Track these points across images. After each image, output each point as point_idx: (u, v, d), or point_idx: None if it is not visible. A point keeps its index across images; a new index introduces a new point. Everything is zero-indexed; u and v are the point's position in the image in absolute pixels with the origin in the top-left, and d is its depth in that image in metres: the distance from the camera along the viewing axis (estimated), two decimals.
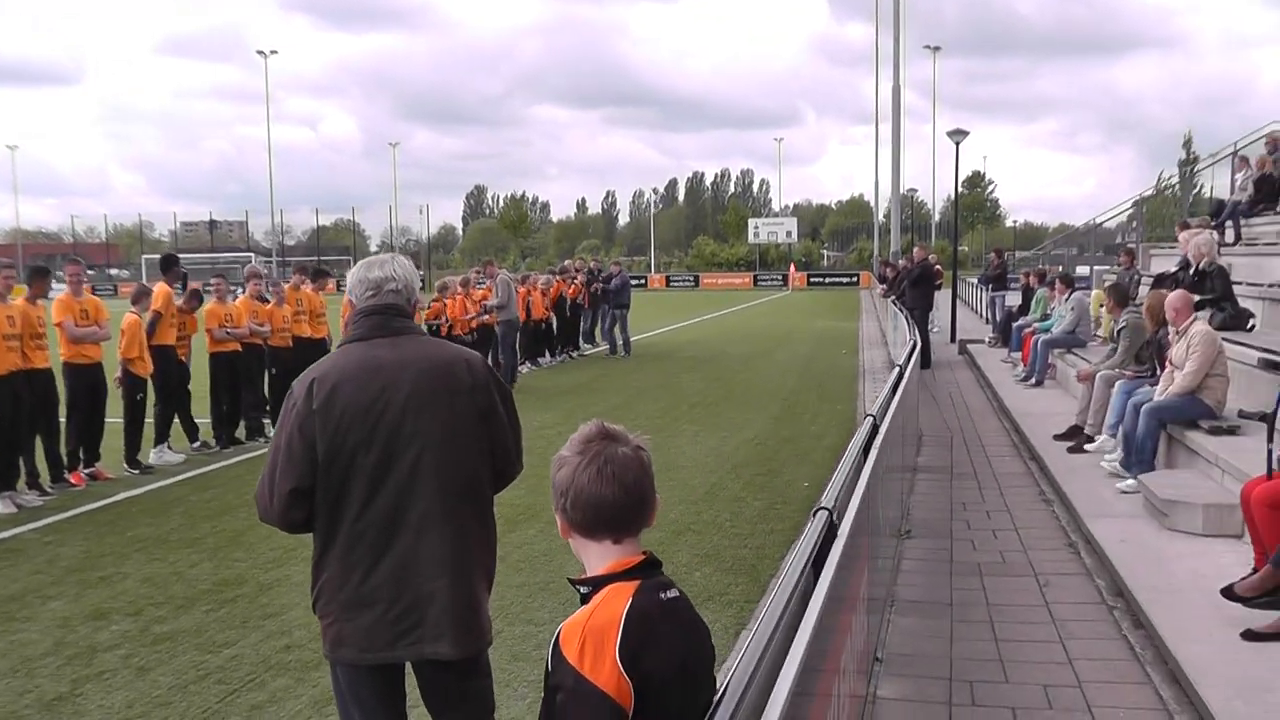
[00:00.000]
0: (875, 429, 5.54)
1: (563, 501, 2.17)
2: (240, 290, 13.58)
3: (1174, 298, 8.50)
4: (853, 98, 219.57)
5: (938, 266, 26.34)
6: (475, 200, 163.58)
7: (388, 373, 3.34)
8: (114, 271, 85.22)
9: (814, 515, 3.50)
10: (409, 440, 3.32)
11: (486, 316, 18.37)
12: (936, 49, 74.64)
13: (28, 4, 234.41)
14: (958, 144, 23.11)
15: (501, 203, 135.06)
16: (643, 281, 79.89)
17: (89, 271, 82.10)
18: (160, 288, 11.86)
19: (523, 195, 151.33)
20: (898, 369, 8.07)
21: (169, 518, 9.37)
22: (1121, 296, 10.84)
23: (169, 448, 11.83)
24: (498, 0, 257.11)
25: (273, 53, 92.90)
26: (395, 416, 3.32)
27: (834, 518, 3.51)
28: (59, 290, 11.07)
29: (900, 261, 21.57)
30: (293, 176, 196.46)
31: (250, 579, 7.48)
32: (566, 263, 27.66)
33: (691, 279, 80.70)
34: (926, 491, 9.56)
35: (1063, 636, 5.90)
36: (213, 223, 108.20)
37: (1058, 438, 10.43)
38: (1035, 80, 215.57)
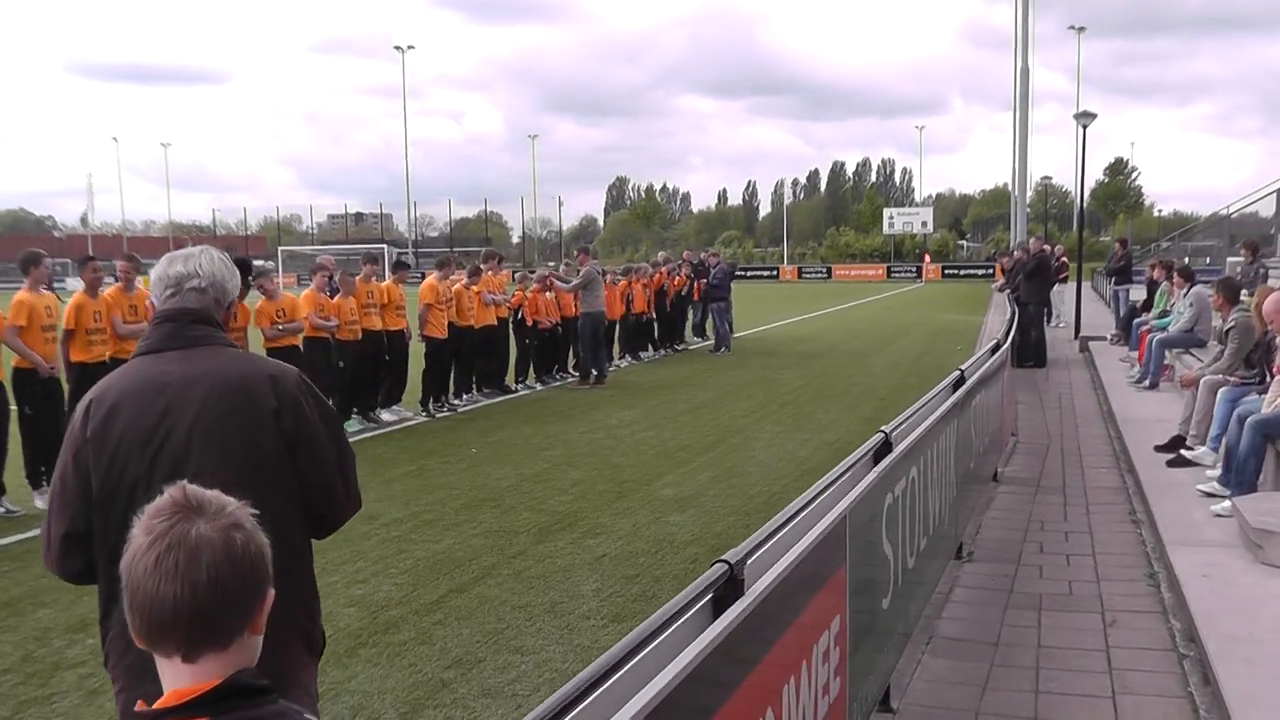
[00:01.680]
0: (888, 446, 4.75)
1: (125, 598, 1.53)
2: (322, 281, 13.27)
3: (1273, 301, 7.40)
4: (1000, 83, 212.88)
5: (1063, 258, 24.93)
6: (617, 191, 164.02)
7: (173, 392, 2.72)
8: (258, 263, 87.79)
9: (712, 567, 2.81)
10: (195, 476, 2.66)
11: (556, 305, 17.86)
12: (1081, 29, 71.70)
13: (180, 8, 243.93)
14: (1084, 127, 21.66)
15: (642, 194, 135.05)
16: (775, 273, 78.83)
17: None
18: None
19: (663, 186, 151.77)
20: (957, 373, 7.18)
21: None
22: (1232, 292, 9.64)
23: None
24: None
25: (410, 48, 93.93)
26: (178, 447, 2.71)
27: (735, 571, 2.80)
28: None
29: (1015, 252, 20.31)
30: (440, 170, 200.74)
31: None
32: (661, 255, 26.93)
33: (824, 270, 79.07)
34: (1005, 507, 8.65)
35: (1116, 690, 5.04)
36: (358, 215, 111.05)
37: (1159, 449, 9.34)
38: (1190, 60, 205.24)
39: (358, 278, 13.34)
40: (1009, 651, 5.61)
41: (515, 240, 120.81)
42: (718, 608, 2.76)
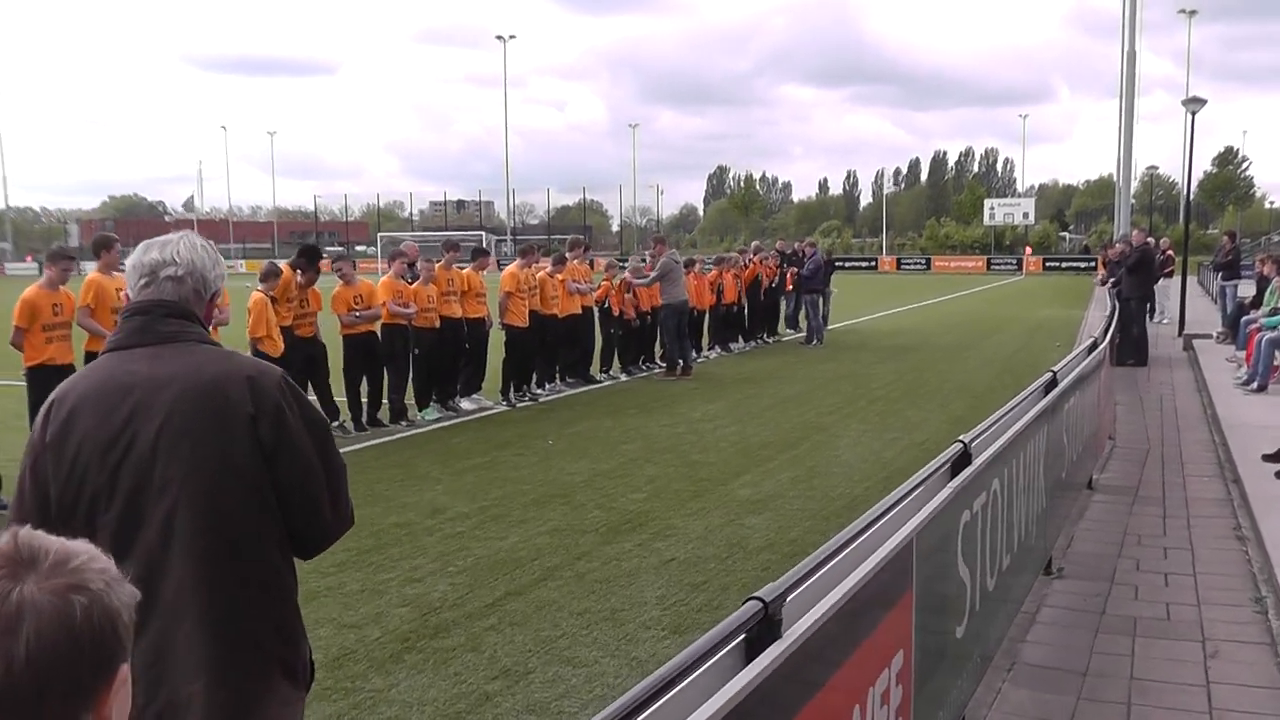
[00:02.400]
0: (966, 457, 4.36)
1: None
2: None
3: None
4: (1107, 71, 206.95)
5: (1169, 252, 23.92)
6: (717, 180, 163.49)
7: (139, 395, 2.45)
8: (360, 248, 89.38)
9: (744, 604, 2.48)
10: (161, 489, 2.42)
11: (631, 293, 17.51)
12: (1193, 13, 69.34)
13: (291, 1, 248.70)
14: (1193, 113, 20.68)
15: (742, 183, 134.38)
16: (873, 263, 77.65)
17: (338, 248, 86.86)
18: (285, 269, 11.53)
19: (762, 176, 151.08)
20: (1049, 375, 6.72)
21: None
22: None
23: None
24: None
25: (511, 37, 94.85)
26: (143, 455, 2.43)
27: (770, 610, 2.47)
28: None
29: (1117, 245, 19.48)
30: (540, 158, 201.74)
31: (303, 583, 6.84)
32: (754, 244, 26.44)
33: (923, 261, 77.56)
34: (1099, 518, 8.15)
35: None
36: (459, 203, 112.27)
37: (1267, 458, 8.73)
38: None
39: (438, 265, 13.19)
40: (1098, 683, 5.18)
41: (615, 228, 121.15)
42: (750, 651, 2.44)
